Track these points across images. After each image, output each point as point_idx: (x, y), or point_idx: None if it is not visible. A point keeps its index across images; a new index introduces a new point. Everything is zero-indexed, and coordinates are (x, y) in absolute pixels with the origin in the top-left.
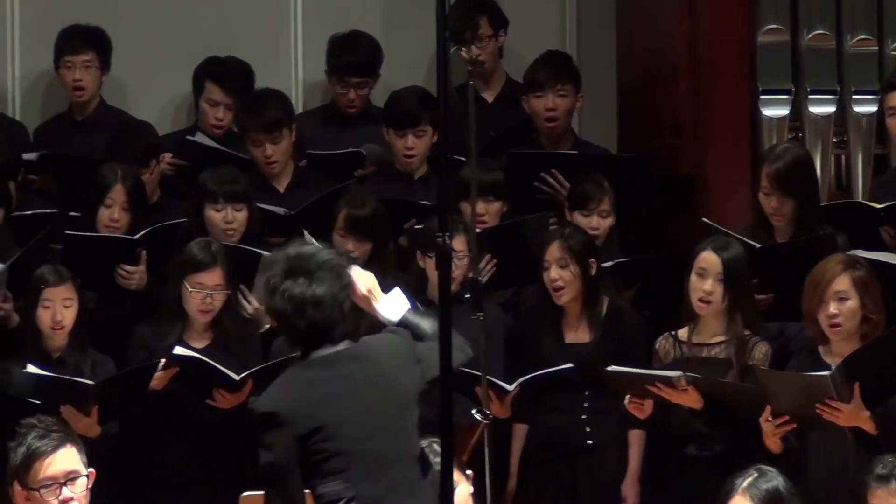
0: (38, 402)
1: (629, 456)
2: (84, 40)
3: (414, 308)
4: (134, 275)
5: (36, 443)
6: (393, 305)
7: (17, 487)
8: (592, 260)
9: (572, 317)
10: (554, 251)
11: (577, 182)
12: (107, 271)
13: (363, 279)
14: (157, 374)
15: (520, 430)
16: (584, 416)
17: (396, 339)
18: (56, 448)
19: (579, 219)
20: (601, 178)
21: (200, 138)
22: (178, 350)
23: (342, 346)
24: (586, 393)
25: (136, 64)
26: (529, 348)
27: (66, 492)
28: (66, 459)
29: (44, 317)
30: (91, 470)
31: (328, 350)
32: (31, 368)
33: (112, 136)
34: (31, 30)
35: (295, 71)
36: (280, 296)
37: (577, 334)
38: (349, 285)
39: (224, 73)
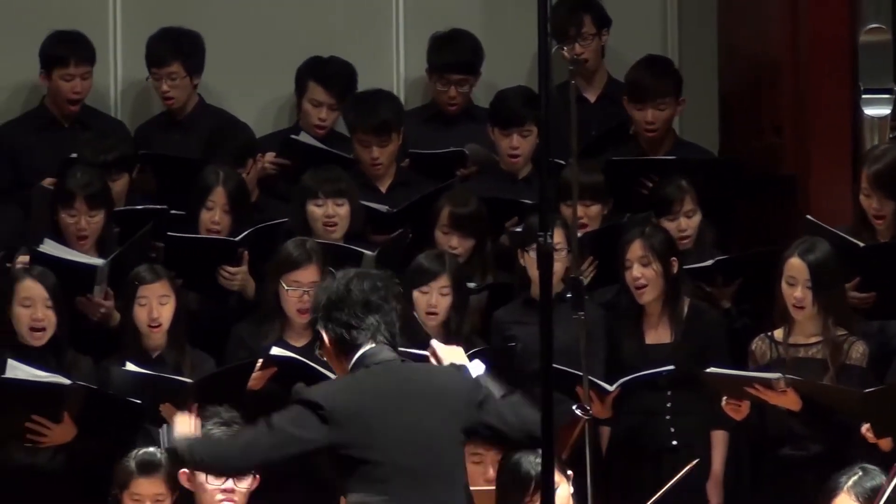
0: (139, 401)
1: (712, 456)
2: (169, 50)
3: (490, 374)
4: (236, 276)
5: (216, 430)
6: (474, 370)
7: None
8: (674, 259)
9: (653, 317)
10: (636, 249)
11: (655, 189)
12: (209, 272)
13: (448, 353)
14: (255, 375)
15: (602, 432)
16: (668, 417)
17: (460, 374)
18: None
19: (667, 225)
20: (678, 178)
21: (304, 138)
22: (276, 350)
23: (392, 355)
24: (669, 393)
25: (236, 65)
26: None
27: (229, 483)
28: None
29: (140, 314)
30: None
31: (386, 355)
32: (129, 366)
33: (209, 136)
34: (133, 33)
35: (396, 70)
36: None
37: (658, 334)
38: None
39: (327, 73)
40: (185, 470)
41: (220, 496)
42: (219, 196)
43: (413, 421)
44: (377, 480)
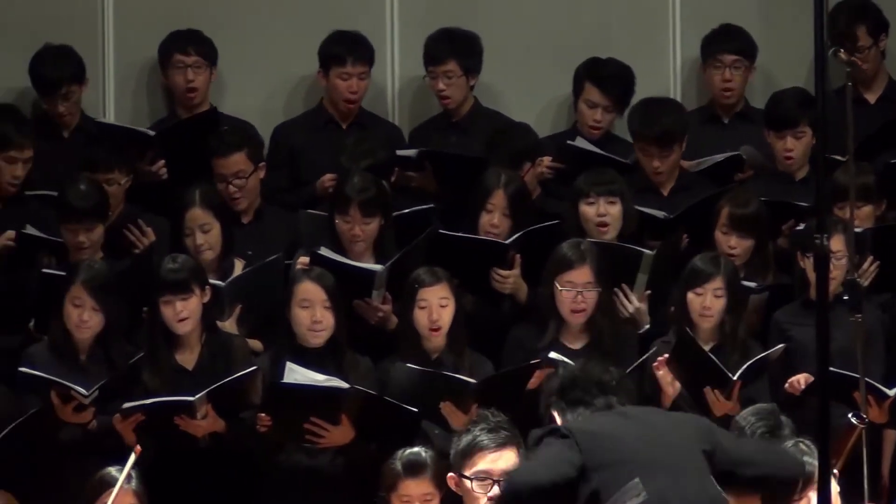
0: (415, 409)
1: None
2: (447, 49)
3: None
4: (508, 279)
5: (483, 436)
6: None
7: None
8: None
9: None
10: None
11: None
12: (482, 274)
13: None
14: (537, 375)
15: (889, 435)
16: None
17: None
18: (501, 446)
19: None
20: None
21: (580, 143)
22: (553, 354)
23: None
24: None
25: (513, 65)
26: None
27: (496, 490)
28: (508, 460)
29: (420, 317)
30: None
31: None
32: (408, 366)
33: (491, 137)
34: (410, 33)
35: (672, 70)
36: None
37: None
38: None
39: (604, 74)
40: (453, 474)
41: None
42: (498, 199)
43: (654, 434)
44: (623, 474)
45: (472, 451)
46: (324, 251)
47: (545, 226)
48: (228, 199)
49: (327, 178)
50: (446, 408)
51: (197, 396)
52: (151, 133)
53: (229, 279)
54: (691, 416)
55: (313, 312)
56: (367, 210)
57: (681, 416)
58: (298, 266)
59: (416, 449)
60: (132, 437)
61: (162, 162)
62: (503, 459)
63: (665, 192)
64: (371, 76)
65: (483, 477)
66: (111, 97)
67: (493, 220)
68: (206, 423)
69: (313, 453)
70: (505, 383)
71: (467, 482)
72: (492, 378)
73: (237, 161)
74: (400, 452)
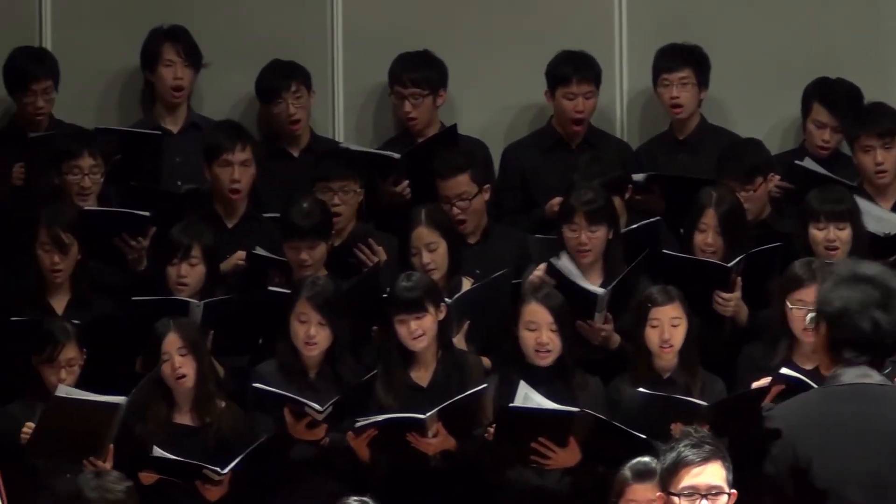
0: (644, 436)
1: None
2: (682, 57)
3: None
4: (730, 301)
5: (686, 451)
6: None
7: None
8: None
9: None
10: None
11: None
12: (703, 296)
13: None
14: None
15: None
16: None
17: None
18: (705, 460)
19: None
20: None
21: (808, 164)
22: (785, 370)
23: (877, 378)
24: None
25: (740, 83)
26: None
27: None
28: (713, 474)
29: (652, 336)
30: (734, 491)
31: (862, 378)
32: (641, 389)
33: (723, 151)
34: (638, 50)
35: None
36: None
37: None
38: None
39: (833, 95)
40: (661, 493)
41: None
42: (710, 218)
43: (868, 467)
44: None
45: (678, 467)
46: (561, 261)
47: (766, 248)
48: (453, 220)
49: (556, 202)
50: (677, 429)
51: (428, 414)
52: (396, 156)
53: (456, 295)
54: None
55: (539, 335)
56: (592, 218)
57: None
58: (535, 275)
59: (646, 458)
60: (366, 453)
61: (406, 182)
62: (708, 473)
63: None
64: (599, 94)
65: (690, 493)
66: (340, 118)
67: (707, 240)
68: (436, 441)
69: (542, 472)
70: (736, 405)
71: (675, 499)
72: (723, 402)
73: (460, 183)
74: (631, 461)
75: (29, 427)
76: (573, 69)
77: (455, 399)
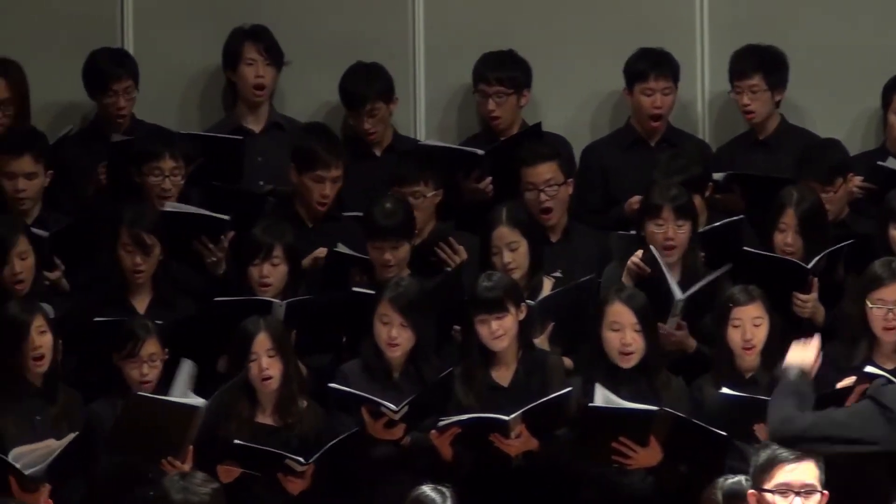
0: (724, 433)
1: None
2: (753, 63)
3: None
4: (807, 303)
5: (780, 449)
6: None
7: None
8: None
9: None
10: None
11: None
12: (782, 295)
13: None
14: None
15: None
16: None
17: None
18: (800, 458)
19: None
20: None
21: (891, 163)
22: (869, 368)
23: None
24: None
25: (819, 83)
26: None
27: (797, 502)
28: (806, 472)
29: (734, 336)
30: (825, 492)
31: None
32: (724, 390)
33: (803, 152)
34: (720, 48)
35: None
36: None
37: None
38: None
39: None
40: (753, 491)
41: None
42: (790, 218)
43: None
44: None
45: (772, 464)
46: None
47: (839, 246)
48: (537, 211)
49: (634, 200)
50: (760, 429)
51: (511, 416)
52: (480, 152)
53: (540, 297)
54: None
55: (623, 335)
56: (680, 213)
57: None
58: (632, 260)
59: (738, 478)
60: (449, 451)
61: (489, 179)
62: (802, 471)
63: None
64: (679, 92)
65: (784, 490)
66: (422, 117)
67: (787, 240)
68: (519, 442)
69: (625, 471)
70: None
71: (769, 496)
72: None
73: (548, 169)
74: (721, 480)
75: None
76: (650, 65)
77: (538, 402)
